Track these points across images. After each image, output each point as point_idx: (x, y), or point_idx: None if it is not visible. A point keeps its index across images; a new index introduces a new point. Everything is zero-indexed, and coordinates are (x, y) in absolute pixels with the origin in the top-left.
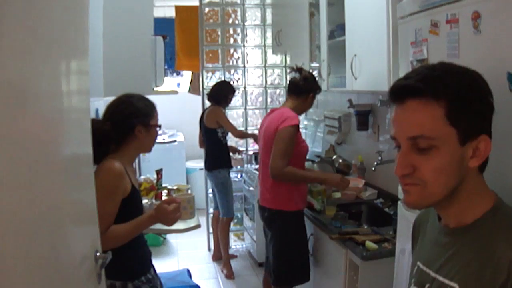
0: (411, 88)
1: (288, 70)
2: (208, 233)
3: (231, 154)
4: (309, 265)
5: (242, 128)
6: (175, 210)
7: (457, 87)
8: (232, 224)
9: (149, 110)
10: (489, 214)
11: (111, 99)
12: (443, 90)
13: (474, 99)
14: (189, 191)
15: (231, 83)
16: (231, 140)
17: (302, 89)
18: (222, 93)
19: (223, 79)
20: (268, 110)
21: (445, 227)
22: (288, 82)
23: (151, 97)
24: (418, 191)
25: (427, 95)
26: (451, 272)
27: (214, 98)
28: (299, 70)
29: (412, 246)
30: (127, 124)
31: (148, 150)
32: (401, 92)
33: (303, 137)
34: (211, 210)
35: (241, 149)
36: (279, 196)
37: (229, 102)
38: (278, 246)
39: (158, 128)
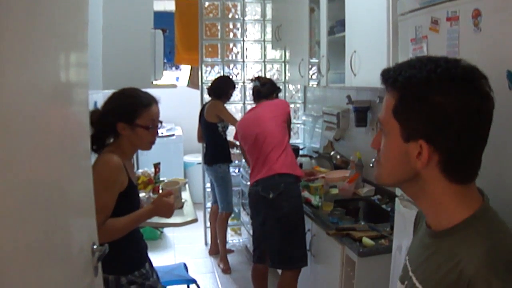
0: (381, 77)
1: (249, 82)
2: (205, 227)
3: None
4: (306, 249)
5: None
6: (174, 202)
7: (409, 85)
8: (229, 218)
9: (133, 109)
10: (465, 223)
11: (109, 92)
12: (395, 84)
13: (422, 102)
14: (186, 186)
15: (231, 77)
16: (229, 135)
17: (264, 93)
18: (222, 88)
19: (222, 73)
20: None
21: (428, 228)
22: (251, 92)
23: (149, 91)
24: (377, 168)
25: (388, 85)
26: (422, 275)
27: (214, 93)
28: (258, 78)
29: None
30: (108, 120)
31: (143, 148)
32: (381, 79)
33: (301, 132)
34: (208, 205)
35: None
36: (293, 161)
37: (230, 97)
38: (285, 227)
39: (146, 129)
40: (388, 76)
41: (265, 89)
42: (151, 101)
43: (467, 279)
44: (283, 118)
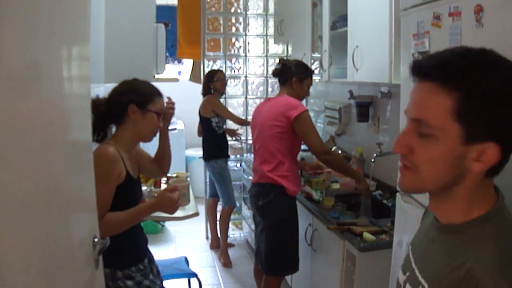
0: (430, 71)
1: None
2: (206, 221)
3: (230, 142)
4: (298, 256)
5: (243, 118)
6: (178, 198)
7: (477, 84)
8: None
9: (149, 93)
10: (478, 221)
11: (111, 85)
12: (460, 84)
13: (492, 102)
14: (188, 179)
15: (234, 71)
16: (233, 124)
17: (281, 75)
18: (207, 79)
19: (224, 67)
20: None
21: (435, 220)
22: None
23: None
24: (410, 177)
25: (441, 82)
26: (425, 269)
27: (203, 88)
28: (281, 60)
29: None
30: (121, 100)
31: (145, 138)
32: (420, 71)
33: None
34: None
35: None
36: (290, 175)
37: (222, 84)
38: (273, 235)
39: (157, 116)
40: (446, 75)
41: (281, 71)
42: (161, 92)
43: (475, 279)
44: (280, 124)
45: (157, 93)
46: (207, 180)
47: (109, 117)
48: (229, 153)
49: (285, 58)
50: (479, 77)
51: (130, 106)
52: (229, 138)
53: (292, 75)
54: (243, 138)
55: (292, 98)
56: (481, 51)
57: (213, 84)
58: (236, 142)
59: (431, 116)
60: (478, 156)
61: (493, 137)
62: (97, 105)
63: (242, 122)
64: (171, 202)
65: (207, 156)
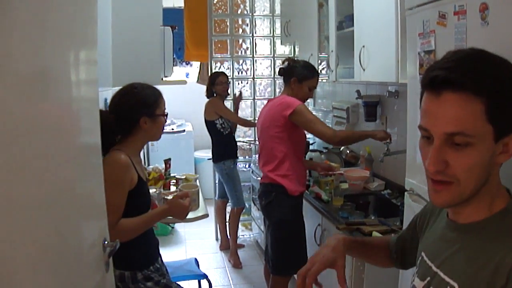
0: (454, 82)
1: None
2: (216, 223)
3: (239, 143)
4: (306, 253)
5: (251, 119)
6: (189, 204)
7: (499, 82)
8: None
9: (154, 100)
10: (500, 215)
11: (119, 89)
12: (485, 86)
13: None
14: (197, 181)
15: (241, 73)
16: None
17: (284, 74)
18: (209, 83)
19: (231, 69)
20: None
21: (452, 222)
22: None
23: (160, 87)
24: (450, 190)
25: (469, 90)
26: (452, 270)
27: (206, 91)
28: (287, 59)
29: (418, 229)
30: (131, 116)
31: (156, 138)
32: (441, 84)
33: None
34: None
35: (249, 139)
36: (292, 175)
37: (221, 90)
38: (276, 235)
39: (163, 116)
40: (471, 82)
41: (283, 70)
42: (160, 92)
43: (508, 267)
44: (277, 124)
45: (159, 95)
46: (216, 181)
47: (118, 130)
48: (238, 154)
49: (295, 59)
50: (498, 76)
51: (142, 119)
52: (237, 138)
53: (292, 75)
54: (251, 139)
55: (288, 97)
56: (480, 51)
57: (215, 87)
58: (245, 143)
59: (469, 126)
60: (504, 148)
61: None
62: (106, 123)
63: (246, 123)
64: (182, 208)
65: (215, 158)
